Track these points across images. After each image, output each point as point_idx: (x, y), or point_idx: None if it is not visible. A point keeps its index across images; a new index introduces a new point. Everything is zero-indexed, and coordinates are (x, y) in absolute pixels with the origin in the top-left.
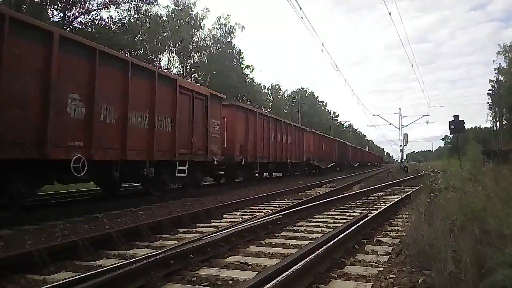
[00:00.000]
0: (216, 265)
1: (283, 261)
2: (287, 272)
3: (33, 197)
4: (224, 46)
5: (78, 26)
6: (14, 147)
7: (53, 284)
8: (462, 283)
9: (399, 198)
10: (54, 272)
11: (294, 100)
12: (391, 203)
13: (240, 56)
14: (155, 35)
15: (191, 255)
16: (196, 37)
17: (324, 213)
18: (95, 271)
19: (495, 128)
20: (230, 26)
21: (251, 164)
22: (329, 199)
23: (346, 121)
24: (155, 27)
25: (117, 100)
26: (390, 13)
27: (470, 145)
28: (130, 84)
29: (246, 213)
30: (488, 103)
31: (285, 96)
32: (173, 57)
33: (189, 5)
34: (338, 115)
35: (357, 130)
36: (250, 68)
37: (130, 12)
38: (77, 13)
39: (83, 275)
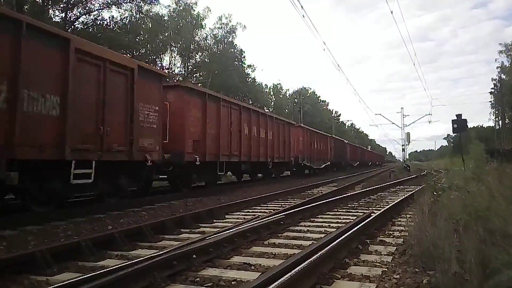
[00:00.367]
0: (219, 266)
1: (286, 262)
2: (290, 273)
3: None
4: (225, 45)
5: (80, 26)
6: None
7: (56, 285)
8: (467, 284)
9: (402, 198)
10: (57, 272)
11: (296, 100)
12: (394, 202)
13: (242, 56)
14: (157, 35)
15: (194, 256)
16: (197, 36)
17: (327, 213)
18: (99, 272)
19: (497, 127)
20: (232, 25)
21: (213, 165)
22: (331, 199)
23: (348, 121)
24: (157, 27)
25: None
26: (392, 12)
27: (472, 144)
28: None
29: (248, 213)
30: (490, 101)
31: (287, 95)
32: (174, 57)
33: (191, 4)
34: (340, 115)
35: (359, 130)
36: (252, 68)
37: (132, 12)
38: (78, 13)
39: (87, 276)
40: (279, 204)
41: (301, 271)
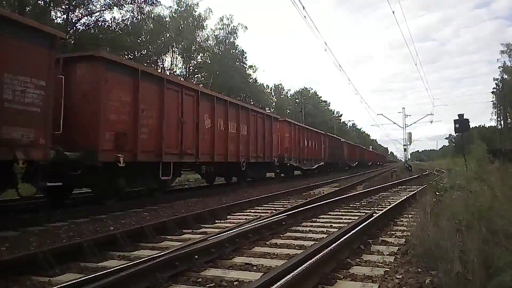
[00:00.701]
0: (221, 266)
1: (288, 262)
2: (292, 273)
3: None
4: (227, 46)
5: (81, 28)
6: None
7: (59, 286)
8: (470, 284)
9: (404, 198)
10: (59, 273)
11: (297, 100)
12: (396, 202)
13: (243, 57)
14: (158, 36)
15: (196, 256)
16: (199, 37)
17: (329, 213)
18: (101, 273)
19: (499, 126)
20: (233, 26)
21: (154, 167)
22: (333, 199)
23: (349, 121)
24: (158, 28)
25: None
26: (393, 12)
27: (474, 144)
28: None
29: (250, 214)
30: (492, 101)
31: (288, 96)
32: (176, 58)
33: (192, 5)
34: (341, 115)
35: (361, 130)
36: (253, 68)
37: (133, 13)
38: (80, 15)
39: (89, 276)
40: (281, 204)
41: (303, 272)
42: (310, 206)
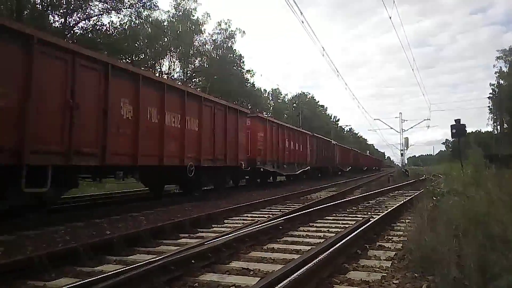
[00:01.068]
0: (217, 271)
1: (285, 267)
2: (289, 278)
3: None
4: (225, 51)
5: (79, 32)
6: None
7: None
8: None
9: (401, 203)
10: (55, 278)
11: (294, 105)
12: (393, 207)
13: (241, 61)
14: (156, 40)
15: (193, 261)
16: (196, 42)
17: (326, 217)
18: (96, 277)
19: (496, 132)
20: (231, 31)
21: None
22: (331, 203)
23: (346, 125)
24: (156, 32)
25: None
26: (390, 17)
27: (471, 149)
28: None
29: (247, 218)
30: (489, 107)
31: (286, 100)
32: (174, 62)
33: (190, 10)
34: (338, 120)
35: (358, 134)
36: (251, 73)
37: (131, 17)
38: (78, 19)
39: (84, 281)
40: (278, 209)
41: (300, 276)
42: (307, 211)
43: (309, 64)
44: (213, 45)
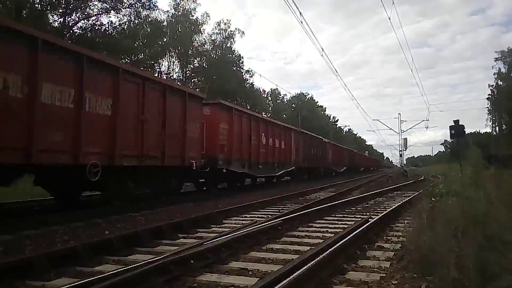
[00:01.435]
0: (216, 271)
1: (284, 267)
2: (288, 278)
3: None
4: (224, 51)
5: (78, 31)
6: None
7: None
8: None
9: (399, 203)
10: (54, 278)
11: (293, 105)
12: (391, 208)
13: (240, 61)
14: (155, 40)
15: (192, 261)
16: (196, 42)
17: (325, 218)
18: (96, 277)
19: (494, 132)
20: (230, 31)
21: None
22: (329, 204)
23: (345, 126)
24: (155, 32)
25: None
26: (389, 18)
27: (470, 150)
28: None
29: (246, 218)
30: (487, 107)
31: (285, 100)
32: (173, 62)
33: (189, 10)
34: (337, 120)
35: (357, 135)
36: (250, 73)
37: (130, 17)
38: (77, 18)
39: (84, 281)
40: (277, 209)
41: (299, 277)
42: (306, 211)
43: (308, 64)
44: (212, 45)
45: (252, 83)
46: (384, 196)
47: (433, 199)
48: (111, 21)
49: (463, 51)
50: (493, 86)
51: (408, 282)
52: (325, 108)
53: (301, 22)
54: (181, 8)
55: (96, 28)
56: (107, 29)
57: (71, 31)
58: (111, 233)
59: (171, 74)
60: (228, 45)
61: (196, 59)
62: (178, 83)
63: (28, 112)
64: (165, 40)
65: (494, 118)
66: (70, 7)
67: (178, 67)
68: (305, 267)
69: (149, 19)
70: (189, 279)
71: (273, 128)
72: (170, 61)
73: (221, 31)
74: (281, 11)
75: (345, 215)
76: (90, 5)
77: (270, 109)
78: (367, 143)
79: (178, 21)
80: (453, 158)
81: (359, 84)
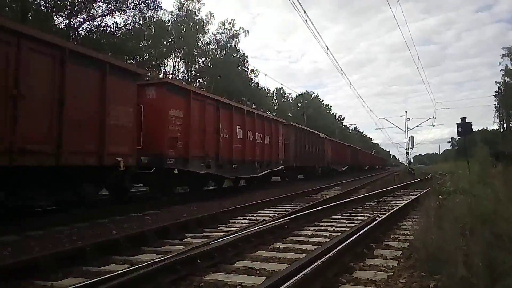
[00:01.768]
0: (223, 271)
1: (291, 266)
2: (295, 277)
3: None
4: (228, 50)
5: (84, 33)
6: None
7: None
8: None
9: (407, 202)
10: (61, 278)
11: (299, 104)
12: (398, 206)
13: (245, 61)
14: (160, 41)
15: (199, 260)
16: (200, 42)
17: (332, 217)
18: (103, 277)
19: (502, 130)
20: (235, 30)
21: None
22: (336, 203)
23: (351, 124)
24: (160, 33)
25: None
26: (395, 16)
27: (477, 147)
28: None
29: (253, 218)
30: (494, 104)
31: (290, 99)
32: (178, 62)
33: (194, 10)
34: (343, 118)
35: (363, 133)
36: (255, 72)
37: (135, 18)
38: (82, 20)
39: (91, 281)
40: (283, 208)
41: (306, 276)
42: (313, 210)
43: (313, 63)
44: (216, 45)
45: (257, 82)
46: (391, 194)
47: (440, 197)
48: (116, 22)
49: (468, 48)
50: (500, 83)
51: (416, 281)
52: (331, 106)
53: (306, 21)
54: (186, 8)
55: (101, 29)
56: (112, 30)
57: (76, 33)
58: (118, 233)
59: (176, 75)
60: (233, 44)
61: (201, 59)
62: (96, 53)
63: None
64: (170, 40)
65: (501, 115)
66: (75, 8)
67: (183, 67)
68: (312, 266)
69: (154, 20)
70: (196, 278)
71: (254, 120)
72: (175, 62)
73: (226, 31)
74: (285, 10)
75: (353, 214)
76: (95, 6)
77: (275, 108)
78: (374, 142)
79: (183, 21)
80: (460, 156)
81: (365, 82)
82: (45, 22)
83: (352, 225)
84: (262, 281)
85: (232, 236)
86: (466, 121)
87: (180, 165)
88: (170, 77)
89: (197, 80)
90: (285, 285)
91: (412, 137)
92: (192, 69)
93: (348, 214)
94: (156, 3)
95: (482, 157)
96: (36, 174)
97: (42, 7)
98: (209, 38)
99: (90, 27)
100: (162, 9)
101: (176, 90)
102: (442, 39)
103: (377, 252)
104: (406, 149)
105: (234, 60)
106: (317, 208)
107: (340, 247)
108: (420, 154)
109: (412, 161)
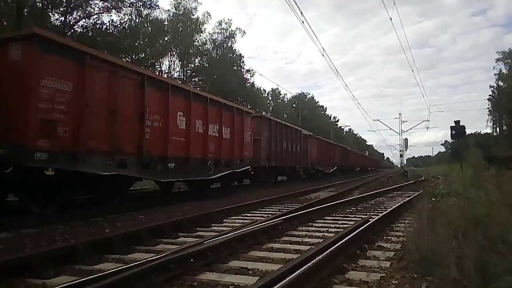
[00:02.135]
0: (217, 270)
1: (284, 267)
2: (288, 278)
3: None
4: (224, 50)
5: (79, 30)
6: None
7: None
8: None
9: (400, 204)
10: (53, 276)
11: (294, 105)
12: (391, 208)
13: (241, 61)
14: (156, 39)
15: (192, 260)
16: (197, 41)
17: (325, 218)
18: (95, 276)
19: (495, 133)
20: (231, 30)
21: None
22: (330, 204)
23: (346, 126)
24: (156, 31)
25: None
26: (391, 18)
27: (470, 151)
28: None
29: (246, 218)
30: (488, 108)
31: (285, 100)
32: (174, 61)
33: (190, 9)
34: (338, 120)
35: (358, 135)
36: (251, 73)
37: (131, 16)
38: (78, 17)
39: (83, 279)
40: (277, 209)
41: (299, 276)
42: (306, 210)
43: (309, 64)
44: (213, 45)
45: (253, 82)
46: (384, 196)
47: (433, 199)
48: (112, 19)
49: (464, 52)
50: (494, 87)
51: (408, 282)
52: (326, 108)
53: (302, 22)
54: (182, 7)
55: (97, 27)
56: (108, 28)
57: (72, 30)
58: (111, 232)
59: (172, 74)
60: (229, 44)
61: (197, 58)
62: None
63: None
64: (166, 39)
65: (494, 119)
66: (71, 5)
67: (179, 67)
68: (305, 266)
69: (150, 18)
70: (189, 277)
71: (205, 107)
72: (171, 60)
73: (222, 31)
74: (282, 11)
75: (346, 215)
76: (91, 3)
77: (270, 108)
78: (368, 143)
79: (179, 20)
80: (453, 159)
81: (360, 84)
82: (40, 18)
83: (345, 226)
84: (255, 281)
85: (225, 235)
86: (460, 125)
87: (62, 162)
88: (166, 76)
89: (193, 80)
90: (278, 285)
91: (406, 139)
92: (188, 68)
93: (342, 215)
94: (153, 2)
95: (475, 160)
96: None
97: (37, 3)
98: (205, 38)
99: (86, 24)
100: (158, 8)
101: (59, 51)
102: (438, 42)
103: (370, 253)
104: (400, 151)
105: (230, 60)
106: (311, 209)
107: (333, 247)
108: (414, 156)
109: (405, 163)
